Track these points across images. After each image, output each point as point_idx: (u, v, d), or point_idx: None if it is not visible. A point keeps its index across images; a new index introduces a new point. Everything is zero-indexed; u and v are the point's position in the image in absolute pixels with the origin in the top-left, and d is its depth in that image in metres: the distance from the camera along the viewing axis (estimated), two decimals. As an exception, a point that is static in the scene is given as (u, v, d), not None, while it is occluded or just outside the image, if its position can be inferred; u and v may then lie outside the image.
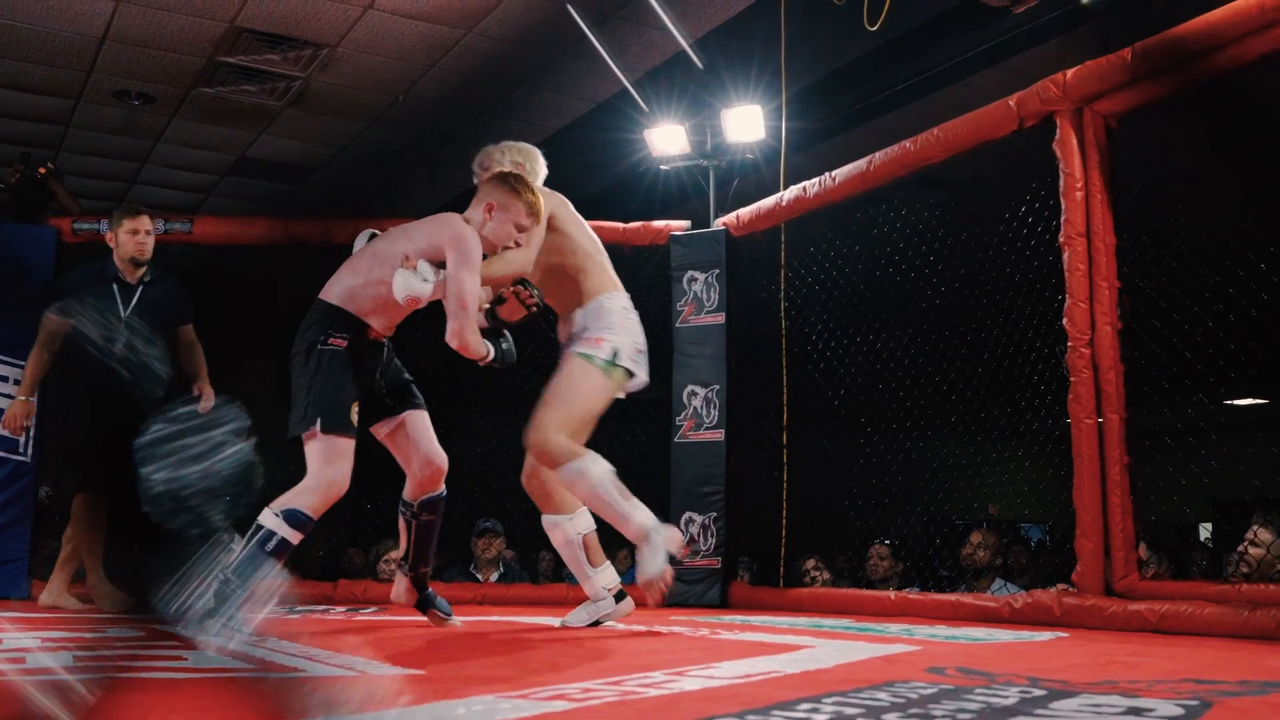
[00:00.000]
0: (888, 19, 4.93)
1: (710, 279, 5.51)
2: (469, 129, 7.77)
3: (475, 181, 3.88)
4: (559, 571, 7.09)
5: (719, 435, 5.35)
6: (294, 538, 3.31)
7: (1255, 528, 4.42)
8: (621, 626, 3.79)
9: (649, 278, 5.86)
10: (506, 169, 3.80)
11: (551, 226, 3.77)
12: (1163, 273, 4.07)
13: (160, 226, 5.74)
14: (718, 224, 5.64)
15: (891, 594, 4.59)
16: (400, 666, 2.37)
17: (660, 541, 3.51)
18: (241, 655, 2.56)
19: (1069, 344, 3.94)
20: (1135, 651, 2.91)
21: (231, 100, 7.25)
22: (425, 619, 3.89)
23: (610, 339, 3.66)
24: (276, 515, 3.29)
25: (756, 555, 5.58)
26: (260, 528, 3.28)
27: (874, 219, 5.14)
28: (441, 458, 3.67)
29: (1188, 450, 4.42)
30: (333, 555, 7.01)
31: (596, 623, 3.82)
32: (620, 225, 5.76)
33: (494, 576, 6.13)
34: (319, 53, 6.68)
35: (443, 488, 3.72)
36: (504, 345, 3.60)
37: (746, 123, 5.71)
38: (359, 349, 3.44)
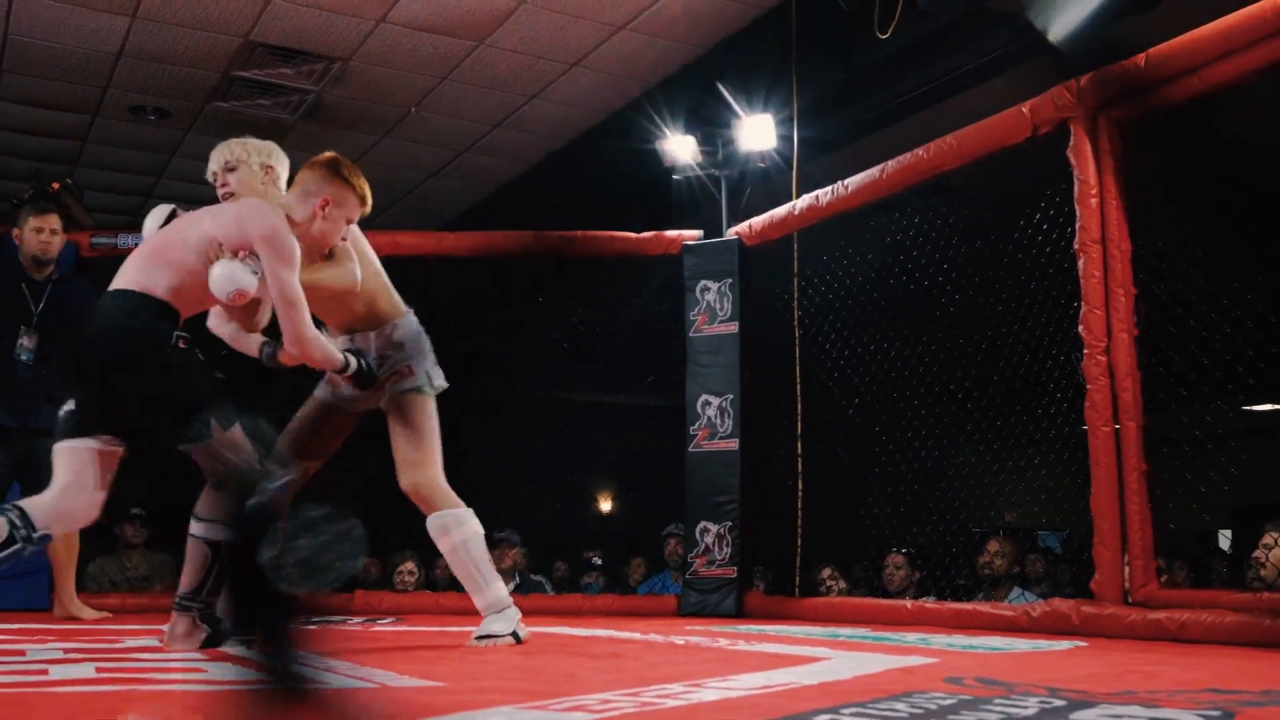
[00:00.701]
0: (899, 27, 4.93)
1: (723, 288, 5.51)
2: (481, 141, 7.80)
3: (210, 178, 3.50)
4: (575, 580, 7.11)
5: (733, 444, 5.35)
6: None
7: (1272, 533, 4.40)
8: (639, 637, 3.79)
9: (661, 287, 5.89)
10: (255, 169, 3.47)
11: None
12: (1179, 278, 4.05)
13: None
14: (730, 233, 5.65)
15: (908, 603, 4.58)
16: (419, 679, 2.37)
17: (515, 616, 3.47)
18: (260, 666, 2.58)
19: (1085, 351, 3.93)
20: (1155, 661, 2.90)
21: (246, 114, 7.29)
22: (435, 629, 3.89)
23: (418, 367, 3.58)
24: (229, 524, 3.06)
25: (772, 564, 5.57)
26: (218, 545, 3.12)
27: (887, 227, 5.14)
28: None
29: (1207, 457, 4.40)
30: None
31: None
32: (633, 235, 5.78)
33: (510, 586, 6.12)
34: (332, 66, 6.72)
35: None
36: (364, 362, 3.42)
37: (758, 132, 5.72)
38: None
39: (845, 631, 3.99)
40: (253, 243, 3.02)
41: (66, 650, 3.05)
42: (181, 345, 2.97)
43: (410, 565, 6.10)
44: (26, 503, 2.85)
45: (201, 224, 3.08)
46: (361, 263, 3.53)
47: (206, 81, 6.91)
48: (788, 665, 2.72)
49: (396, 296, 3.67)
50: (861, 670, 2.59)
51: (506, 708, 1.90)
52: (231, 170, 3.46)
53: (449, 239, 6.01)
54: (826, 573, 5.52)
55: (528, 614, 4.62)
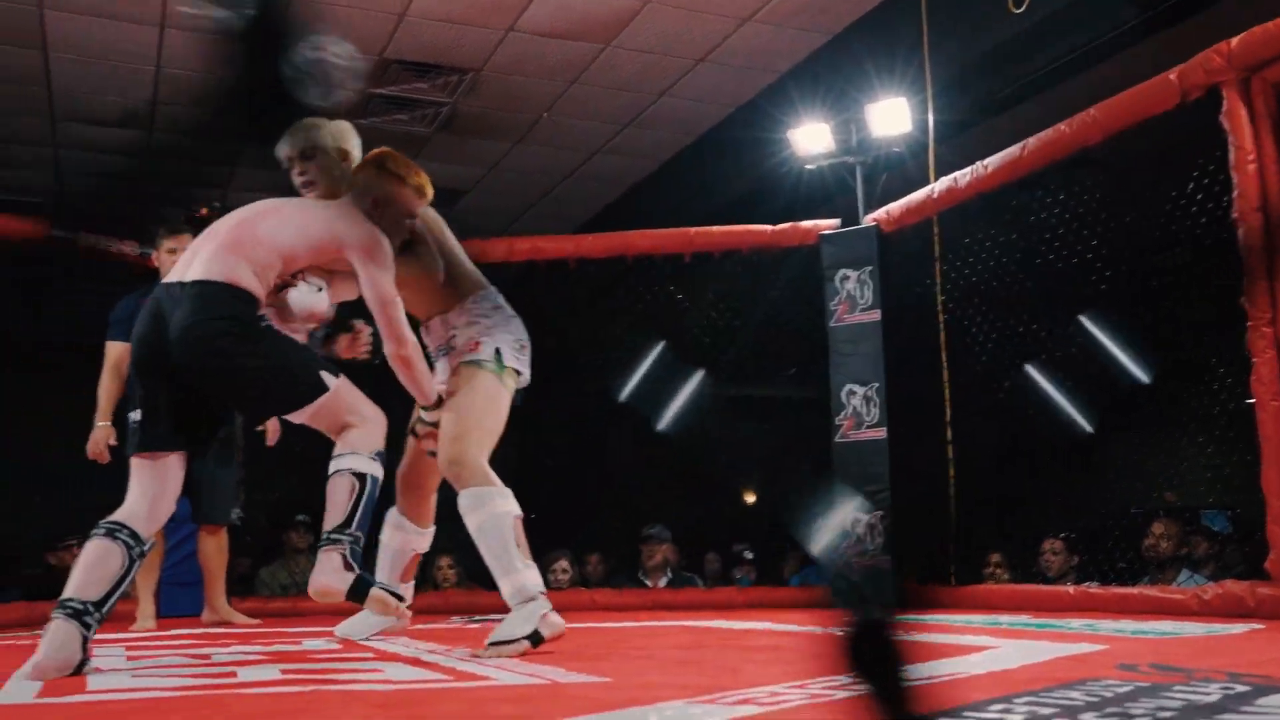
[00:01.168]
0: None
1: (863, 276, 5.46)
2: (612, 141, 7.88)
3: (284, 162, 3.42)
4: (726, 574, 7.13)
5: (881, 433, 5.30)
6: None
7: None
8: (797, 629, 3.79)
9: (799, 278, 5.87)
10: (333, 155, 3.41)
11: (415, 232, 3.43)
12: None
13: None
14: (867, 220, 5.59)
15: (1070, 588, 4.47)
16: (587, 674, 2.42)
17: (538, 612, 3.07)
18: (433, 666, 2.67)
19: (1249, 324, 3.78)
20: (1341, 643, 2.78)
21: (384, 130, 7.51)
22: (591, 626, 3.96)
23: (486, 340, 3.34)
24: (373, 458, 2.95)
25: (926, 553, 5.51)
26: (365, 475, 2.94)
27: (1030, 206, 5.02)
28: None
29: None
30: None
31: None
32: (768, 228, 5.77)
33: (662, 582, 6.19)
34: (464, 77, 6.88)
35: None
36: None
37: (892, 116, 5.64)
38: None
39: (1006, 619, 3.92)
40: (347, 251, 3.03)
41: (249, 653, 3.20)
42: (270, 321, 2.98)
43: (564, 563, 6.22)
44: (125, 516, 2.86)
45: (283, 222, 3.05)
46: (439, 243, 3.45)
47: (346, 100, 7.15)
48: (952, 655, 2.70)
49: (474, 272, 3.51)
50: (1029, 659, 2.55)
51: (676, 702, 1.94)
52: (309, 158, 3.40)
53: (587, 241, 6.10)
54: (994, 559, 5.43)
55: (681, 609, 4.71)
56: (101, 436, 4.76)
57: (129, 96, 7.02)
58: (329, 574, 2.88)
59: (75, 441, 4.86)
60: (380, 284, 3.04)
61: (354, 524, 2.93)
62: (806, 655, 2.89)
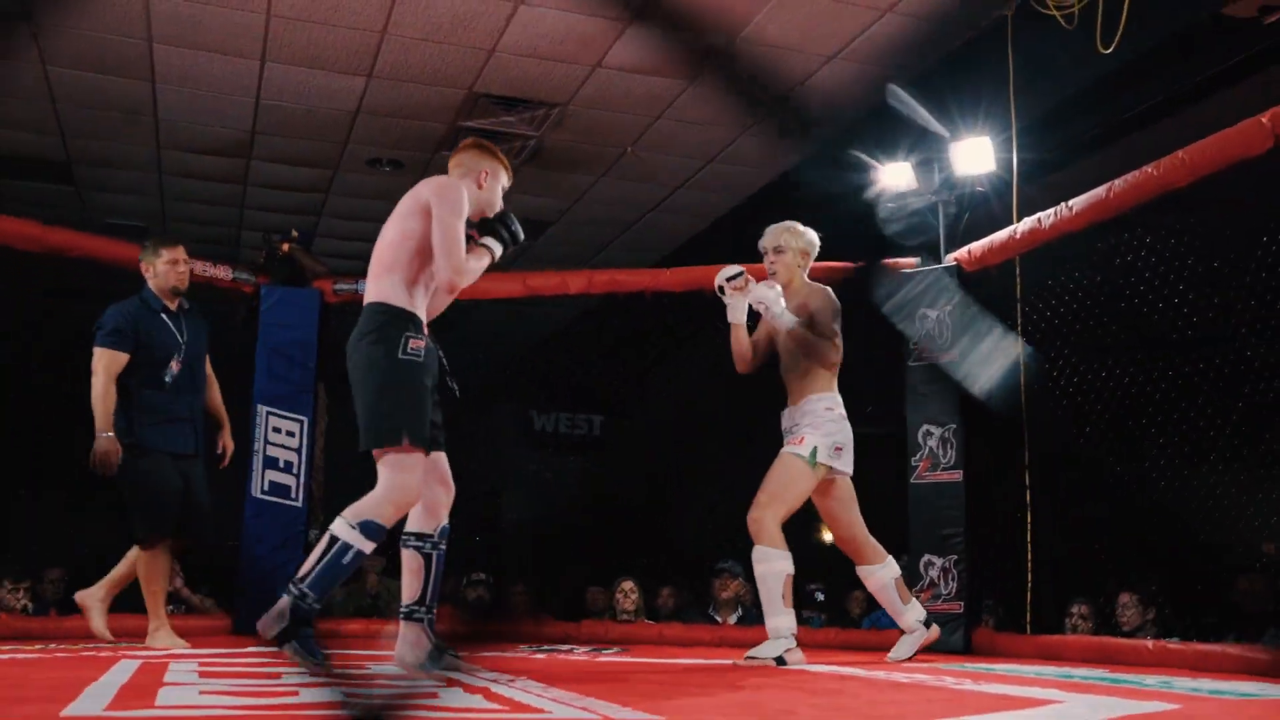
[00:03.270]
0: (1123, 40, 4.75)
1: (943, 315, 5.40)
2: (696, 176, 7.92)
3: (761, 250, 4.43)
4: (797, 614, 7.05)
5: (957, 476, 5.22)
6: (369, 549, 3.23)
7: None
8: (863, 673, 3.75)
9: (879, 316, 5.81)
10: (796, 254, 4.38)
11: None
12: None
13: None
14: (949, 259, 5.53)
15: (1149, 643, 4.35)
16: (640, 711, 2.42)
17: (785, 646, 4.06)
18: (495, 697, 2.69)
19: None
20: None
21: (473, 162, 7.64)
22: (657, 661, 3.95)
23: (810, 437, 4.16)
24: (352, 527, 3.17)
25: (1002, 600, 5.39)
26: (336, 540, 3.18)
27: (1116, 248, 4.93)
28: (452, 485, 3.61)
29: None
30: (575, 594, 7.21)
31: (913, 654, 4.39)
32: (850, 265, 5.73)
33: (733, 618, 6.16)
34: (551, 111, 6.97)
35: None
36: (507, 230, 3.77)
37: (976, 155, 5.58)
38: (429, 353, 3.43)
39: (1079, 672, 3.82)
40: (427, 198, 3.49)
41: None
42: (415, 348, 3.34)
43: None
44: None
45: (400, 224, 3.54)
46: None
47: (435, 133, 7.30)
48: (1016, 708, 2.65)
49: (829, 377, 4.29)
50: (1095, 715, 2.50)
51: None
52: (780, 252, 4.40)
53: (665, 275, 6.13)
54: (1078, 609, 5.30)
55: (749, 645, 4.67)
56: (113, 448, 4.50)
57: (231, 126, 7.25)
58: (270, 613, 3.17)
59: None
60: (448, 224, 3.54)
61: (306, 580, 3.19)
62: (864, 700, 2.86)
